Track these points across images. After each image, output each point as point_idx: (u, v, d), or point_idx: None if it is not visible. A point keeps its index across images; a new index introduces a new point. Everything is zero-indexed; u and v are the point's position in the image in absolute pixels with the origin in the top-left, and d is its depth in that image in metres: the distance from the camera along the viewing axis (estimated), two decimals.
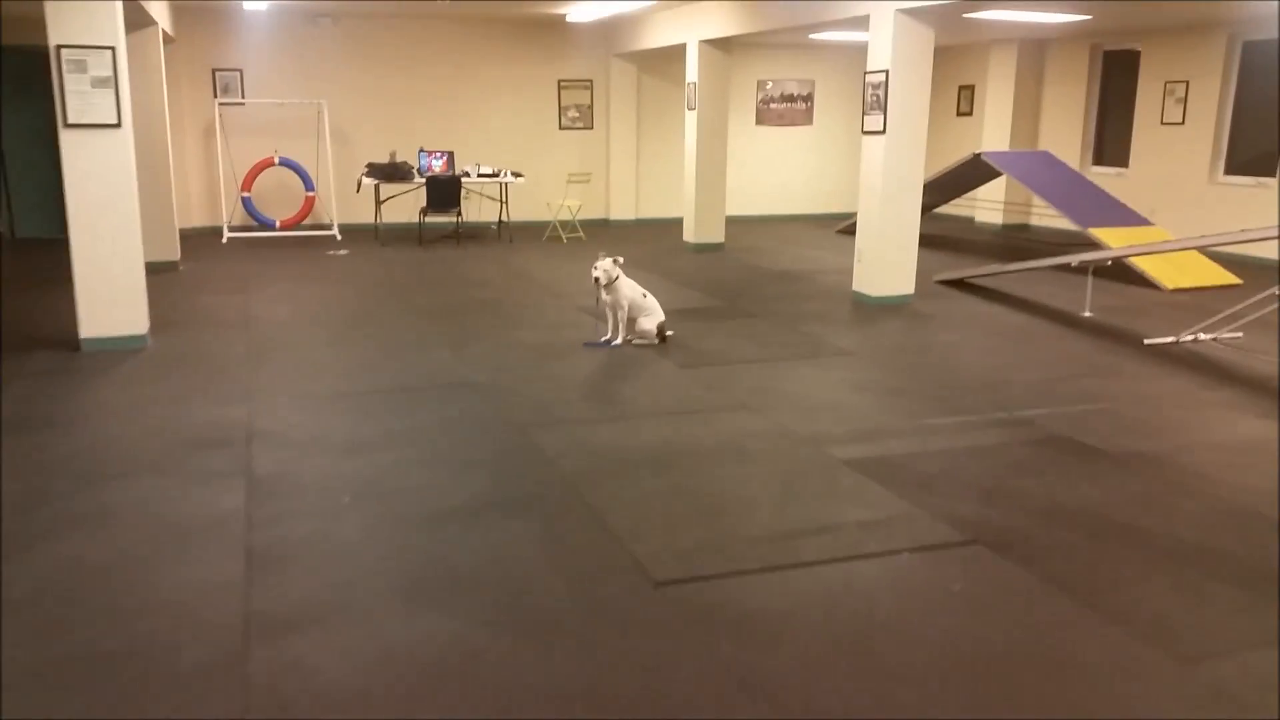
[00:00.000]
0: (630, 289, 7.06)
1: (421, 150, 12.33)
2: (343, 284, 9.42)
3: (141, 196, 9.80)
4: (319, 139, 13.09)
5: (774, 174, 15.69)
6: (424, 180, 11.84)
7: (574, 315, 8.10)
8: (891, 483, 4.44)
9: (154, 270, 9.81)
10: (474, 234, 13.25)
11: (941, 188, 12.78)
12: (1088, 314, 8.25)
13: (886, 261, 8.60)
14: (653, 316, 7.11)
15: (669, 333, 7.35)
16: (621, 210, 14.80)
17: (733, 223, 14.74)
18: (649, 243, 12.67)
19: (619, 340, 7.09)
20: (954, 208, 15.07)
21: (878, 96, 8.39)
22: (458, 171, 12.45)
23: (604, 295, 7.00)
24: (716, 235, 12.16)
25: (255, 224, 12.78)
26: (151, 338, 7.07)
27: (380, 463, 4.63)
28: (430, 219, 12.23)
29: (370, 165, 12.10)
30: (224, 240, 12.23)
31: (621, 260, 7.05)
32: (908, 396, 5.87)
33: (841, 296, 9.07)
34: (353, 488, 4.32)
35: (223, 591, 3.38)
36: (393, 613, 3.25)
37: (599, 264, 6.90)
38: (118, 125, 6.65)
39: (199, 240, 12.21)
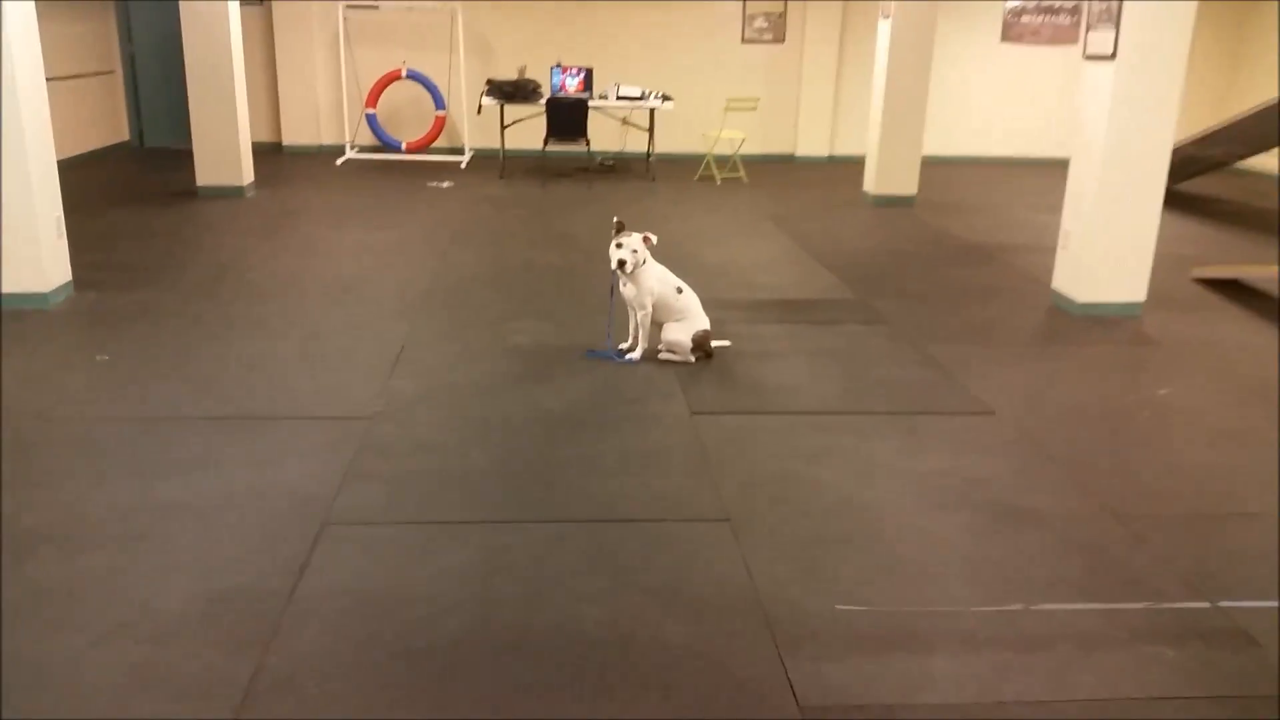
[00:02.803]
0: (658, 280, 4.76)
1: (555, 66, 10.28)
2: (400, 228, 7.66)
3: (194, 111, 8.53)
4: (452, 50, 11.36)
5: (1019, 105, 12.35)
6: (542, 104, 9.80)
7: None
8: None
9: (209, 196, 8.53)
10: (616, 169, 11.12)
11: (1234, 138, 9.19)
12: None
13: (1104, 250, 5.68)
14: (689, 322, 4.78)
15: (724, 344, 4.99)
16: (811, 145, 12.12)
17: (948, 167, 11.70)
18: (819, 190, 10.03)
19: (638, 353, 4.82)
20: (1259, 161, 11.19)
21: (1108, 5, 5.41)
22: (595, 93, 10.31)
23: (624, 286, 4.75)
24: (905, 186, 9.33)
25: (381, 144, 11.32)
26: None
27: None
28: (557, 148, 10.22)
29: (490, 83, 10.20)
30: (339, 162, 10.85)
31: (654, 240, 4.73)
32: (1063, 549, 3.27)
33: (1034, 296, 6.22)
34: None
35: None
36: None
37: (625, 240, 4.63)
38: None
39: (312, 162, 10.91)
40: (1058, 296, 5.97)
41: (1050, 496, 3.52)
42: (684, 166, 11.22)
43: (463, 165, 10.99)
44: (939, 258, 7.20)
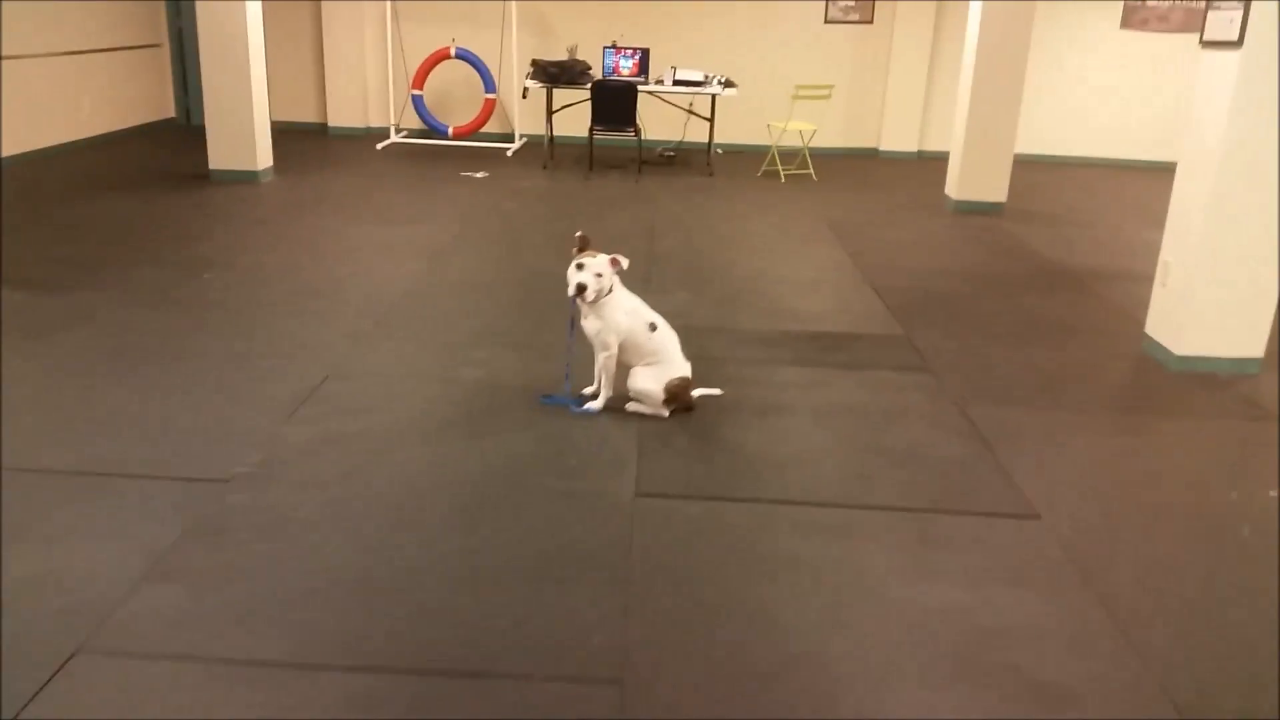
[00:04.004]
0: (627, 314, 3.84)
1: (607, 47, 9.38)
2: (409, 224, 6.91)
3: (206, 89, 7.93)
4: (503, 28, 10.55)
5: (1138, 101, 10.90)
6: (589, 88, 8.91)
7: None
8: None
9: (222, 181, 7.95)
10: (676, 161, 10.16)
11: None
12: None
13: (1213, 289, 4.50)
14: (662, 368, 3.85)
15: (712, 392, 4.05)
16: (898, 139, 10.93)
17: (1050, 168, 10.38)
18: (897, 192, 8.89)
19: (599, 403, 3.92)
20: None
21: None
22: (651, 76, 9.37)
23: (586, 317, 3.85)
24: (992, 191, 8.14)
25: (427, 128, 10.62)
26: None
27: None
28: (607, 137, 9.32)
29: (535, 63, 9.35)
30: (379, 147, 10.18)
31: (625, 264, 3.81)
32: None
33: (1123, 340, 5.07)
34: None
35: None
36: None
37: (587, 261, 3.74)
38: None
39: (353, 145, 10.27)
40: (1151, 344, 4.80)
41: (1096, 670, 2.49)
42: (749, 160, 10.20)
43: (509, 153, 10.20)
44: (1016, 282, 6.06)
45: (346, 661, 2.39)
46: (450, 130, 10.47)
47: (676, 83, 9.21)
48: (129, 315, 4.75)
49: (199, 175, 8.16)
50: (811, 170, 9.55)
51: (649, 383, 3.83)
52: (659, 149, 10.43)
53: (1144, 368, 4.66)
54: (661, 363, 3.84)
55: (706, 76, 9.32)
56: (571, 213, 7.52)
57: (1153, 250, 6.75)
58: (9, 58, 8.25)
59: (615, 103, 8.78)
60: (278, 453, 3.42)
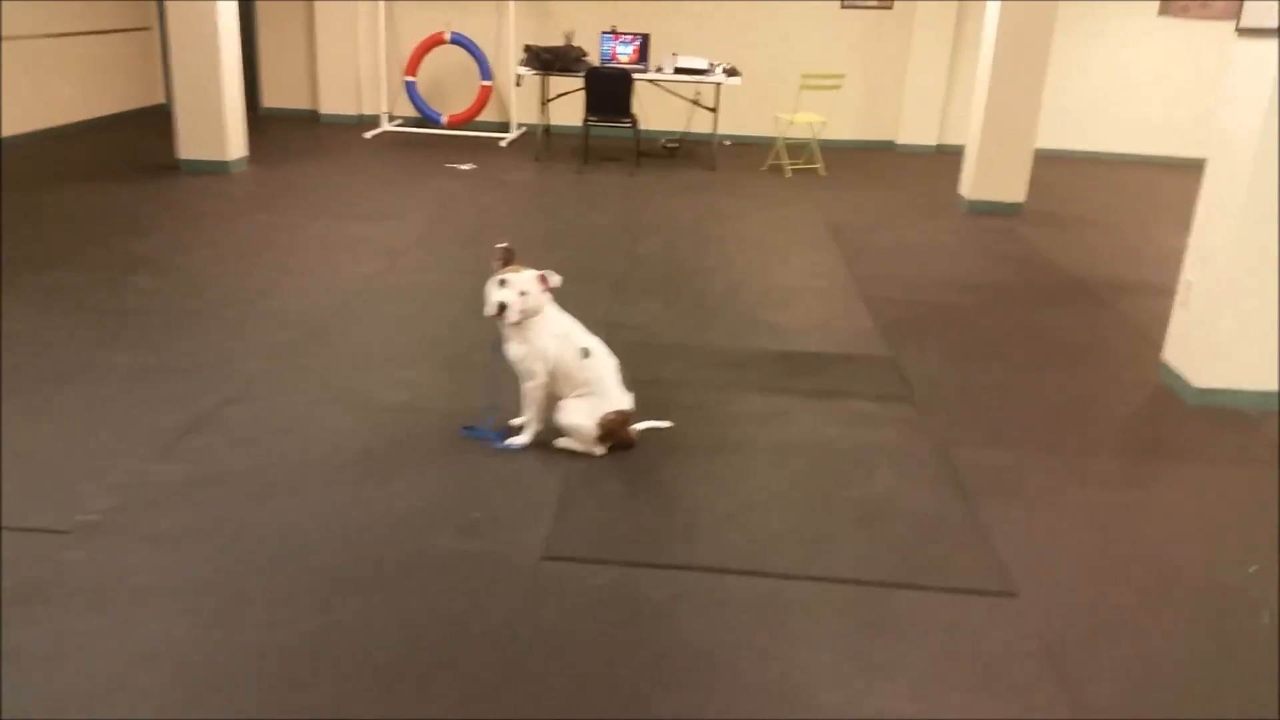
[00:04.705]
0: (556, 338, 3.35)
1: (605, 32, 8.87)
2: (378, 220, 6.47)
3: (175, 74, 7.52)
4: (499, 12, 10.07)
5: (1175, 93, 10.22)
6: (583, 76, 8.41)
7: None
8: None
9: (191, 172, 7.55)
10: (679, 153, 9.65)
11: None
12: None
13: (1241, 313, 3.94)
14: (595, 400, 3.36)
15: (658, 426, 3.58)
16: (916, 132, 10.34)
17: (1075, 164, 9.75)
18: (909, 190, 8.32)
19: (526, 437, 3.45)
20: None
21: None
22: (651, 64, 8.86)
23: (510, 341, 3.37)
24: (1009, 190, 7.55)
25: (421, 116, 10.17)
26: None
27: None
28: (605, 127, 8.83)
29: (528, 49, 8.86)
30: (368, 135, 9.75)
31: (556, 281, 3.33)
32: None
33: (1139, 366, 4.51)
34: None
35: None
36: None
37: (510, 277, 3.26)
38: None
39: (342, 133, 9.85)
40: (1168, 373, 4.24)
41: None
42: (757, 153, 9.66)
43: (503, 143, 9.73)
44: (1025, 295, 5.50)
45: None
46: (444, 119, 10.03)
47: (677, 70, 8.69)
48: (28, 325, 4.34)
49: (168, 166, 7.77)
50: (820, 165, 8.99)
51: (579, 417, 3.34)
52: (662, 140, 9.92)
53: (1159, 401, 4.10)
54: (595, 394, 3.36)
55: (710, 64, 8.78)
56: (553, 209, 7.04)
57: (1179, 259, 6.16)
58: None
59: (609, 92, 8.28)
60: (136, 497, 2.98)
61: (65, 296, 4.72)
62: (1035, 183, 7.97)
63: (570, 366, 3.34)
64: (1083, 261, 6.27)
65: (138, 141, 8.84)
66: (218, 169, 7.66)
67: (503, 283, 3.25)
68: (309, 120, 10.55)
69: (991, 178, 7.52)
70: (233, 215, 6.41)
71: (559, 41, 9.17)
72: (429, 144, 9.49)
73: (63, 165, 7.73)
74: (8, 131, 8.33)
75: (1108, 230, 7.18)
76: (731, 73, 8.76)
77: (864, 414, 3.83)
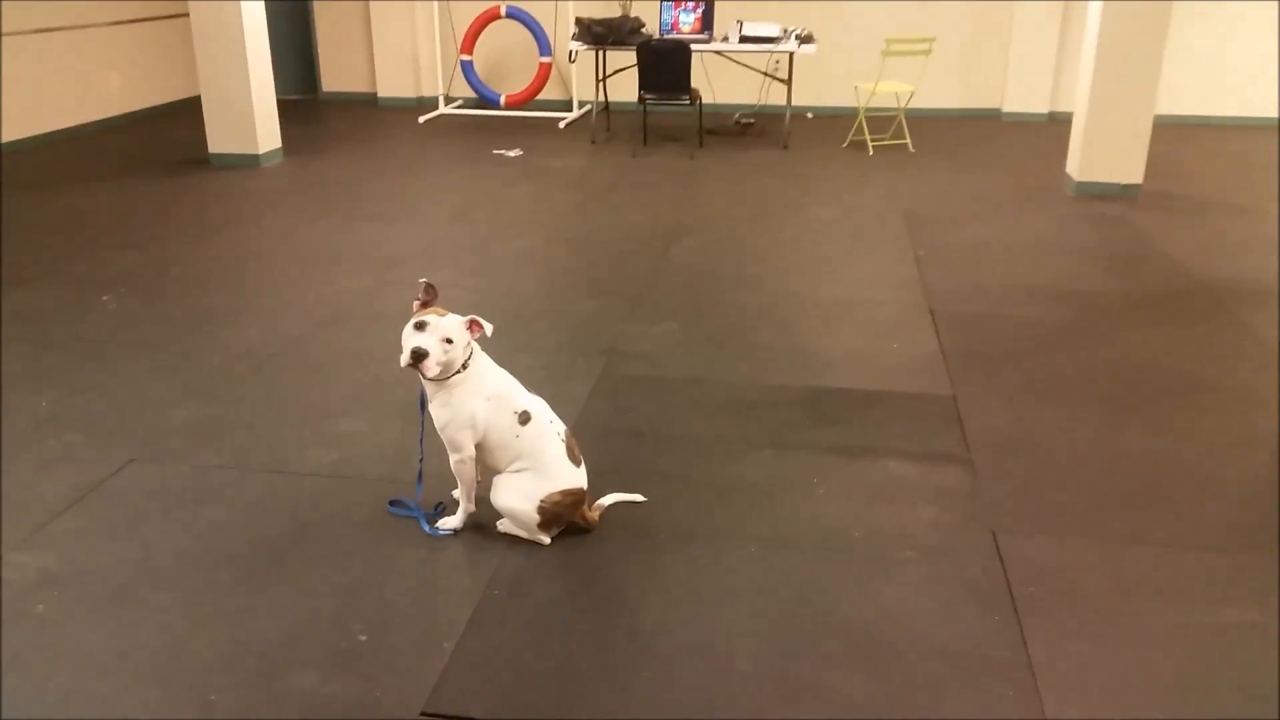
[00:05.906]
0: (487, 399, 2.66)
1: (665, 1, 8.06)
2: (398, 220, 5.91)
3: (200, 64, 7.09)
4: None
5: None
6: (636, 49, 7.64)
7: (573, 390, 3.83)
8: None
9: (222, 166, 7.17)
10: (752, 129, 8.78)
11: None
12: None
13: None
14: (537, 477, 2.66)
15: (629, 499, 2.88)
16: (1024, 98, 9.18)
17: (1209, 132, 8.47)
18: (1010, 167, 7.28)
19: (458, 520, 2.78)
20: None
21: None
22: (715, 34, 8.01)
23: (433, 403, 2.69)
24: (1124, 170, 6.46)
25: (478, 98, 9.58)
26: None
27: None
28: (661, 105, 8.05)
29: (579, 22, 8.12)
30: (422, 120, 9.21)
31: (487, 329, 2.63)
32: None
33: (1263, 415, 3.54)
34: None
35: None
36: None
37: (431, 320, 2.58)
38: None
39: (397, 118, 9.35)
40: None
41: None
42: (841, 126, 8.73)
43: (563, 124, 9.06)
44: (1135, 307, 4.53)
45: None
46: (503, 99, 9.40)
47: (744, 39, 7.83)
48: None
49: (199, 160, 7.39)
50: (908, 139, 8.01)
51: (516, 500, 2.66)
52: (736, 115, 9.07)
53: None
54: (535, 470, 2.66)
55: (783, 30, 7.89)
56: (588, 204, 6.34)
57: None
58: (9, 34, 7.63)
59: (665, 66, 7.49)
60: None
61: (26, 321, 4.28)
62: (1154, 158, 6.85)
63: (503, 435, 2.65)
64: (1205, 257, 5.21)
65: (172, 137, 8.49)
66: (248, 162, 7.24)
67: (419, 326, 2.57)
68: (367, 104, 10.09)
69: (1103, 154, 6.44)
70: (237, 219, 5.93)
71: (617, 12, 8.41)
72: (484, 127, 8.90)
73: (91, 162, 7.43)
74: (46, 128, 8.09)
75: (1235, 214, 6.05)
76: (806, 40, 7.85)
77: (898, 482, 3.02)
